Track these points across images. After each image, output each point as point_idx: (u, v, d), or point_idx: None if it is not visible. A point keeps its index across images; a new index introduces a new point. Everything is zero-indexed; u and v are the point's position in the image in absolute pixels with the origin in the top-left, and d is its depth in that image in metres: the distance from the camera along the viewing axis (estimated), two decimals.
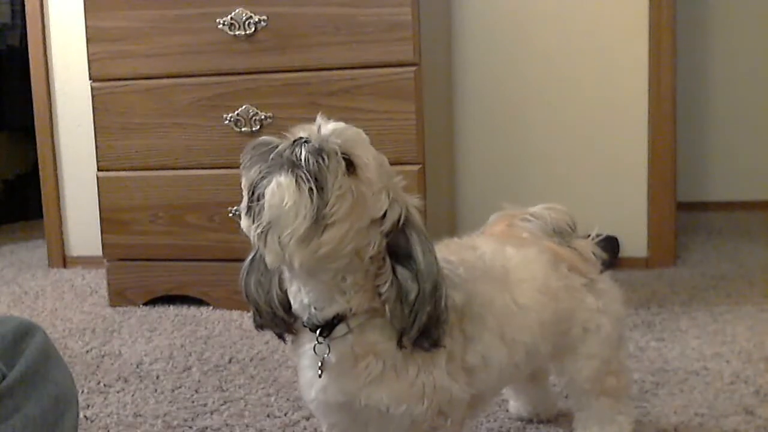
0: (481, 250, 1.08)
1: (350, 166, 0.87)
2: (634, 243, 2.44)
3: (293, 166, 0.83)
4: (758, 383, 1.48)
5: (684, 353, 1.65)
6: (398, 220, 0.90)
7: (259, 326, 0.97)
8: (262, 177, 0.84)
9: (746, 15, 3.47)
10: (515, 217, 1.19)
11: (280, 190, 0.82)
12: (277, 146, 0.85)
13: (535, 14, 2.47)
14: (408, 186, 2.04)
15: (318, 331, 0.92)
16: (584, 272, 1.15)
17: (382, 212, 0.89)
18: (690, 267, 2.41)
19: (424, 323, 0.88)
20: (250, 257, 0.94)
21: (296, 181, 0.83)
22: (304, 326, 0.94)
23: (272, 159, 0.84)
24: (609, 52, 2.43)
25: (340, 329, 0.92)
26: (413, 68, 1.94)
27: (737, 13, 3.48)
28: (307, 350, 0.95)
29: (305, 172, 0.83)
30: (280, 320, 0.95)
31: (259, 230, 0.84)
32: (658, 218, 2.44)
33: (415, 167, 1.97)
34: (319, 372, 0.94)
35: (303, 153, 0.84)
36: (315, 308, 0.92)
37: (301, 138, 0.86)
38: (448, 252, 1.05)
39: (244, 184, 0.86)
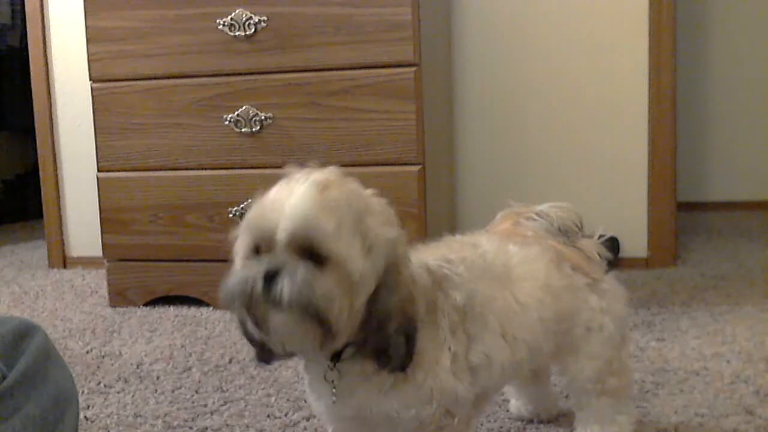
0: (483, 248, 1.08)
1: (325, 260, 0.84)
2: (634, 243, 2.44)
3: (280, 306, 0.83)
4: (758, 383, 1.48)
5: (684, 353, 1.65)
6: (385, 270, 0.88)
7: (266, 360, 0.95)
8: (256, 314, 0.85)
9: (746, 15, 3.47)
10: (521, 215, 1.19)
11: (280, 332, 0.85)
12: (253, 287, 0.83)
13: (535, 14, 2.47)
14: (408, 186, 2.06)
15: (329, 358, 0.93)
16: (588, 272, 1.15)
17: (373, 286, 0.87)
18: (690, 267, 2.41)
19: (370, 351, 0.90)
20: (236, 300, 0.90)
21: (291, 320, 0.83)
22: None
23: (256, 304, 0.84)
24: (609, 52, 2.43)
25: (348, 350, 0.92)
26: (413, 68, 1.94)
27: (737, 13, 3.48)
28: (319, 373, 0.95)
29: (295, 311, 0.82)
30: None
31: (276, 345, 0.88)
32: (658, 218, 2.44)
33: (415, 167, 1.97)
34: (333, 399, 0.94)
35: (285, 297, 0.82)
36: None
37: (271, 273, 0.83)
38: (448, 250, 1.05)
39: (237, 317, 0.89)
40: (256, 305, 0.84)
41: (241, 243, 0.89)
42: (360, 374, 0.92)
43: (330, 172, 0.90)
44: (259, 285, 0.83)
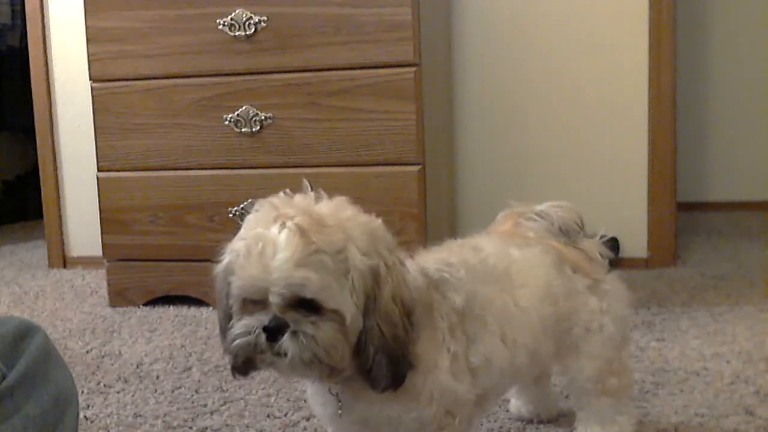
0: (485, 251, 1.08)
1: (319, 308, 0.86)
2: (634, 243, 2.44)
3: (285, 356, 0.86)
4: (758, 383, 1.48)
5: (684, 353, 1.65)
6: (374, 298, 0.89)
7: (245, 373, 0.94)
8: (264, 358, 0.88)
9: (746, 15, 3.47)
10: (522, 215, 1.19)
11: (291, 375, 0.93)
12: (256, 344, 0.86)
13: (535, 14, 2.47)
14: (408, 186, 2.05)
15: None
16: (589, 273, 1.15)
17: (361, 320, 0.88)
18: (690, 267, 2.41)
19: (357, 372, 0.91)
20: (222, 314, 0.93)
21: (299, 368, 0.87)
22: None
23: (260, 356, 0.88)
24: (609, 52, 2.43)
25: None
26: (413, 68, 1.94)
27: (737, 13, 3.48)
28: (324, 387, 0.97)
29: (299, 358, 0.85)
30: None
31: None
32: (658, 218, 2.44)
33: (415, 167, 1.97)
34: (339, 412, 0.96)
35: (290, 354, 0.85)
36: None
37: (270, 328, 0.86)
38: (449, 254, 1.05)
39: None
40: (262, 354, 0.87)
41: (232, 291, 0.90)
42: (363, 383, 0.92)
43: (305, 211, 0.88)
44: (262, 341, 0.86)
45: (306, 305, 0.85)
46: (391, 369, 0.88)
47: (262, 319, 0.86)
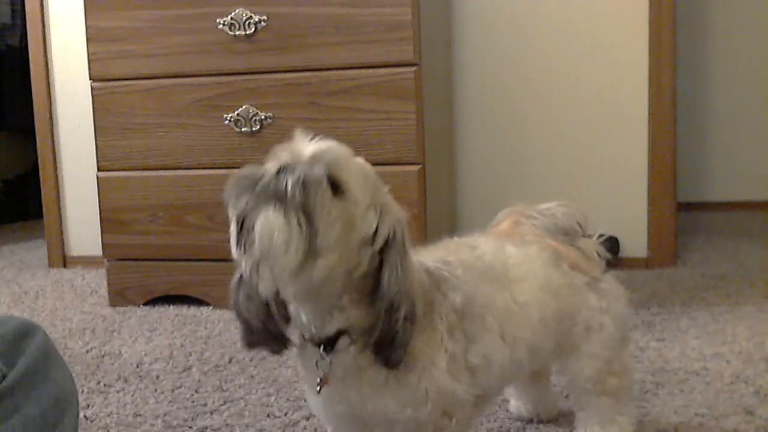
0: (481, 249, 1.08)
1: (336, 188, 0.85)
2: (634, 243, 2.44)
3: (280, 198, 0.82)
4: (758, 383, 1.48)
5: (684, 353, 1.65)
6: (388, 235, 0.89)
7: (250, 344, 0.96)
8: (250, 209, 0.83)
9: (746, 15, 3.47)
10: (523, 214, 1.19)
11: (270, 226, 0.82)
12: (262, 177, 0.84)
13: (535, 14, 2.47)
14: (408, 186, 2.06)
15: (321, 348, 0.92)
16: (586, 270, 1.15)
17: (372, 231, 0.88)
18: (690, 267, 2.41)
19: (375, 340, 0.89)
20: (238, 276, 0.92)
21: (285, 215, 0.82)
22: (306, 341, 0.94)
23: (258, 191, 0.83)
24: (609, 52, 2.43)
25: (343, 342, 0.91)
26: (413, 68, 1.94)
27: (737, 13, 3.48)
28: (311, 362, 0.95)
29: (293, 204, 0.82)
30: (273, 337, 0.94)
31: (250, 263, 0.84)
32: (658, 218, 2.44)
33: (415, 167, 1.97)
34: (318, 388, 0.94)
35: (289, 185, 0.82)
36: (315, 327, 0.92)
37: (285, 167, 0.85)
38: (446, 252, 1.05)
39: (232, 215, 0.85)
40: (252, 203, 0.83)
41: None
42: (353, 367, 0.92)
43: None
44: (269, 175, 0.84)
45: (329, 180, 0.85)
46: (389, 323, 0.87)
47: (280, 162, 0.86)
